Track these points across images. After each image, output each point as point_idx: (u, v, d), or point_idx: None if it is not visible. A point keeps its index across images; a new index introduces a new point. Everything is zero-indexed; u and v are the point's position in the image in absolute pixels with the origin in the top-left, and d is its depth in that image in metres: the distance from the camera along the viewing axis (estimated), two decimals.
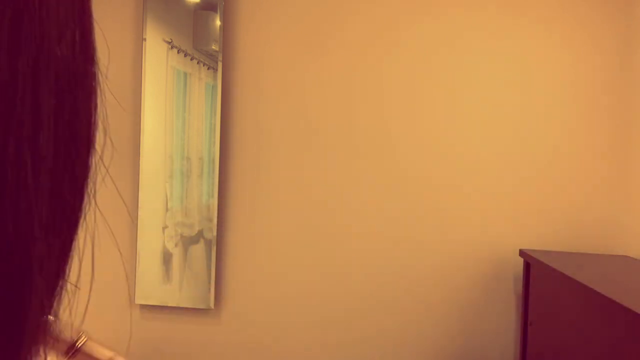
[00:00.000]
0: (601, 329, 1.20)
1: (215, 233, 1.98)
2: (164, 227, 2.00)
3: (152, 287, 2.01)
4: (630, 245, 1.80)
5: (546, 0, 1.91)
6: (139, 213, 1.99)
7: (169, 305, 2.00)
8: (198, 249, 1.99)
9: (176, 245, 2.00)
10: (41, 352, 0.19)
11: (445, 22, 1.95)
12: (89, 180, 0.20)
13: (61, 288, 0.20)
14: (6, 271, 0.16)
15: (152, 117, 1.98)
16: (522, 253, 1.76)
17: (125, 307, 2.05)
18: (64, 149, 0.18)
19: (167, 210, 2.00)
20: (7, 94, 0.15)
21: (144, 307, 2.05)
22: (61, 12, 0.18)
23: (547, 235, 1.91)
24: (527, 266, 1.74)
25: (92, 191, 0.21)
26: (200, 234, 1.99)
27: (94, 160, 0.20)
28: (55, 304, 0.19)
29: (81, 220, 0.20)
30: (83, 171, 0.20)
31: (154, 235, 1.99)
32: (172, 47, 1.98)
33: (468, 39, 1.94)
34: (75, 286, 0.21)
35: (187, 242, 2.00)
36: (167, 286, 2.00)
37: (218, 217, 1.99)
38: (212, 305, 1.99)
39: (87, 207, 0.20)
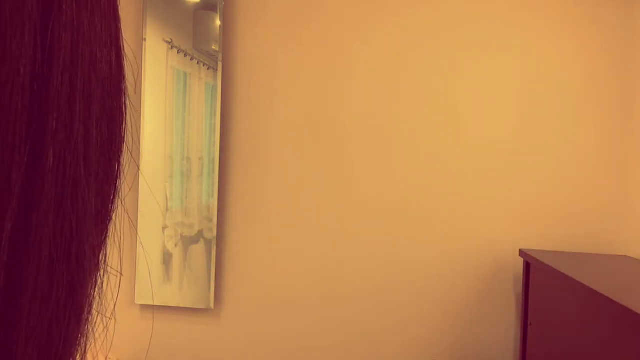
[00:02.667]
0: (601, 329, 1.20)
1: (215, 233, 1.98)
2: (164, 227, 2.00)
3: (152, 287, 2.00)
4: (630, 245, 1.80)
5: None
6: (139, 213, 1.99)
7: (169, 305, 2.00)
8: (198, 249, 1.99)
9: (176, 245, 2.00)
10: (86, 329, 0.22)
11: (447, 16, 1.95)
12: (119, 181, 0.24)
13: (101, 277, 0.23)
14: (66, 256, 0.19)
15: (152, 117, 1.98)
16: (522, 253, 1.76)
17: (125, 307, 2.05)
18: (105, 153, 0.21)
19: (167, 210, 2.00)
20: (69, 104, 0.18)
21: (144, 307, 2.05)
22: (104, 34, 0.20)
23: (547, 235, 1.91)
24: (527, 266, 1.74)
25: (125, 193, 0.24)
26: (200, 234, 1.99)
27: (122, 164, 0.24)
28: (98, 293, 0.23)
29: (113, 215, 0.24)
30: (116, 172, 0.23)
31: (154, 235, 1.99)
32: (172, 47, 1.98)
33: (468, 35, 1.94)
34: (120, 273, 0.25)
35: (187, 242, 2.00)
36: (167, 286, 2.00)
37: (218, 217, 1.99)
38: (212, 305, 1.99)
39: (116, 204, 0.24)
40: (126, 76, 0.23)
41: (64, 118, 0.18)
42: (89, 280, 0.21)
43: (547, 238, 1.91)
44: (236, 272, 2.03)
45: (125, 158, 0.24)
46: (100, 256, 0.23)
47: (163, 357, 2.05)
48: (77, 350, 0.21)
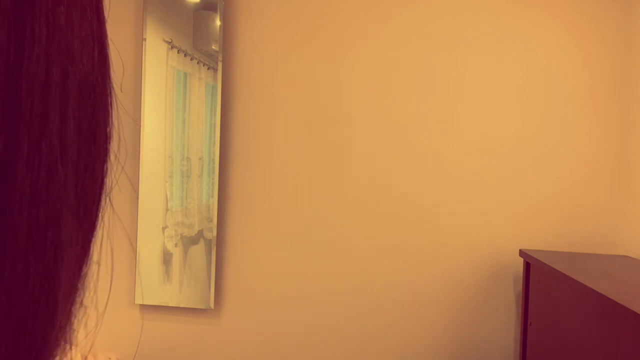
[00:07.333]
0: (601, 328, 1.20)
1: (215, 233, 1.98)
2: (164, 227, 2.00)
3: (152, 287, 2.01)
4: (630, 245, 1.80)
5: None
6: (139, 213, 1.99)
7: (169, 305, 2.00)
8: (198, 249, 1.99)
9: (176, 245, 2.00)
10: (70, 327, 0.22)
11: (445, 15, 1.95)
12: (105, 179, 0.24)
13: (85, 275, 0.23)
14: (41, 245, 0.19)
15: (152, 117, 1.98)
16: (522, 253, 1.76)
17: (125, 307, 2.05)
18: (86, 148, 0.22)
19: (167, 210, 2.00)
20: (43, 96, 0.19)
21: (144, 307, 2.05)
22: (83, 31, 0.21)
23: (547, 235, 1.91)
24: (527, 266, 1.74)
25: (109, 190, 0.24)
26: (200, 234, 1.99)
27: (109, 162, 0.24)
28: (81, 286, 0.23)
29: (100, 215, 0.24)
30: (101, 169, 0.23)
31: (154, 235, 1.99)
32: (172, 47, 1.98)
33: (468, 34, 1.94)
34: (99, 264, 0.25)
35: (187, 242, 2.00)
36: (167, 286, 2.00)
37: (218, 217, 1.99)
38: (212, 305, 1.99)
39: (104, 204, 0.24)
40: (111, 75, 0.24)
41: (38, 108, 0.19)
42: (67, 273, 0.21)
43: (547, 238, 1.91)
44: (236, 272, 2.03)
45: (119, 158, 0.24)
46: (85, 251, 0.23)
47: (163, 357, 2.05)
48: (56, 342, 0.21)
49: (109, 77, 0.23)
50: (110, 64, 0.24)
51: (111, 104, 0.23)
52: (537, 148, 1.92)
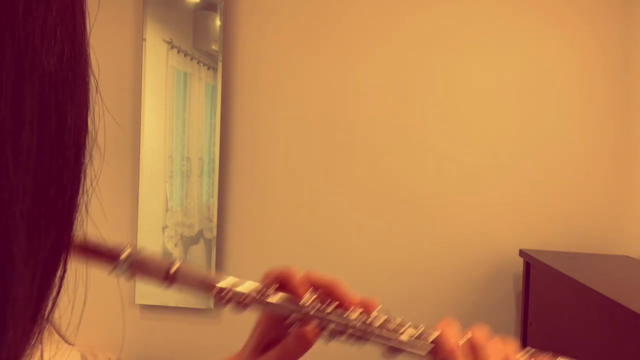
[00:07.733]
0: (601, 328, 1.20)
1: (215, 233, 1.98)
2: (164, 227, 2.00)
3: (152, 287, 2.00)
4: (630, 245, 1.80)
5: None
6: (139, 213, 1.99)
7: (169, 305, 2.00)
8: (198, 249, 1.99)
9: (176, 245, 2.00)
10: (34, 345, 0.21)
11: (446, 18, 1.95)
12: (79, 186, 0.22)
13: (53, 287, 0.21)
14: None
15: (152, 117, 1.98)
16: (522, 253, 1.76)
17: (125, 307, 2.04)
18: (50, 152, 0.20)
19: (167, 210, 2.00)
20: None
21: (144, 307, 2.05)
22: (48, 26, 0.19)
23: (547, 235, 1.91)
24: (527, 266, 1.74)
25: (86, 198, 0.22)
26: (200, 234, 1.99)
27: (86, 169, 0.22)
28: (45, 302, 0.21)
29: (74, 224, 0.22)
30: (71, 177, 0.21)
31: (154, 235, 1.99)
32: (172, 47, 1.98)
33: (468, 36, 1.94)
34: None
35: (187, 242, 2.00)
36: None
37: (218, 217, 1.99)
38: (212, 305, 1.99)
39: (80, 212, 0.22)
40: (89, 72, 0.22)
41: None
42: (21, 289, 0.19)
43: (547, 238, 1.90)
44: (236, 272, 2.02)
45: (93, 161, 0.23)
46: (50, 264, 0.21)
47: (163, 357, 2.05)
48: None
49: (84, 74, 0.22)
50: (88, 61, 0.22)
51: (87, 103, 0.22)
52: (537, 148, 1.92)
